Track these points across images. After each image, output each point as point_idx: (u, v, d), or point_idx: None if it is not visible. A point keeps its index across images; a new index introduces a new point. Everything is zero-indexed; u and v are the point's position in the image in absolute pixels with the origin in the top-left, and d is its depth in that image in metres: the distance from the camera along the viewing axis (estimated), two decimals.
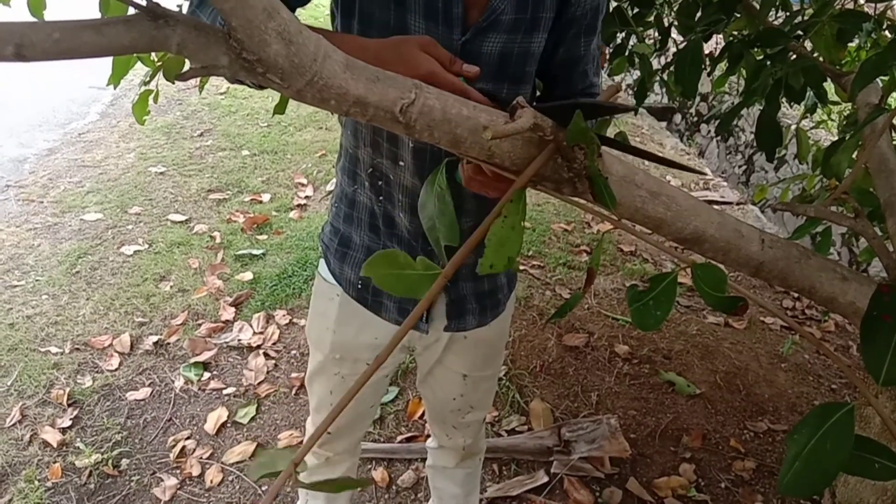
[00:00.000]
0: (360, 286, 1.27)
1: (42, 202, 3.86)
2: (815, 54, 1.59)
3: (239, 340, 2.78)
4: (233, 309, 2.97)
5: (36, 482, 2.14)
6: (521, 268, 3.38)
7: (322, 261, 1.35)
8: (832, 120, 4.42)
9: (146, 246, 3.45)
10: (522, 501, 2.14)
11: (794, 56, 1.58)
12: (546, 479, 2.20)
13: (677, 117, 6.98)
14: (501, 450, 2.30)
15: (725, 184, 4.93)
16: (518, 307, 3.06)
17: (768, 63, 1.61)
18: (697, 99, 6.54)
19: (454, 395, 1.47)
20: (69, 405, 2.44)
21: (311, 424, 1.60)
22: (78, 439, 2.30)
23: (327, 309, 1.33)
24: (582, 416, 2.45)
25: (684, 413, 2.53)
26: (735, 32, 1.90)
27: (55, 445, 2.26)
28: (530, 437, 2.34)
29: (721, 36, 1.96)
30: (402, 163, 1.10)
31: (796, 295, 3.37)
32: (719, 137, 6.16)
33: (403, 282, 0.62)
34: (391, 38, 0.84)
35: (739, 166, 5.80)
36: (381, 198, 1.18)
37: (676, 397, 2.61)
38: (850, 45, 2.23)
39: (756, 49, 1.69)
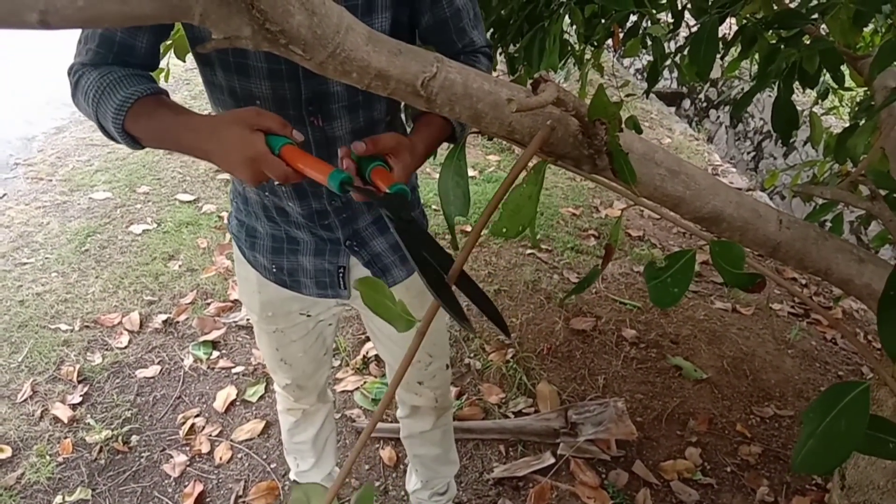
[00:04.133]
0: (274, 270, 1.31)
1: (51, 180, 3.87)
2: (830, 38, 1.58)
3: (247, 320, 2.79)
4: None
5: (47, 457, 2.16)
6: (529, 252, 3.38)
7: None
8: (844, 106, 4.39)
9: (155, 225, 3.46)
10: (529, 482, 2.16)
11: (809, 39, 1.57)
12: (552, 460, 2.21)
13: (686, 103, 6.94)
14: (508, 431, 2.31)
15: (734, 170, 4.91)
16: (526, 291, 3.07)
17: (782, 47, 1.60)
18: (707, 84, 6.49)
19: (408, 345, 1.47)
20: (79, 382, 2.46)
21: (277, 386, 1.69)
22: (88, 415, 2.32)
23: (248, 273, 1.36)
24: (589, 399, 2.46)
25: (691, 397, 2.54)
26: (748, 15, 1.88)
27: (66, 421, 2.29)
28: (537, 419, 2.35)
29: (734, 20, 1.94)
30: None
31: (804, 282, 3.37)
32: (728, 123, 6.13)
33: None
34: (221, 119, 0.92)
35: (748, 153, 5.77)
36: (266, 193, 1.21)
37: (683, 382, 2.61)
38: (865, 29, 2.21)
39: (770, 33, 1.68)
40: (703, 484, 2.19)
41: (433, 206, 3.71)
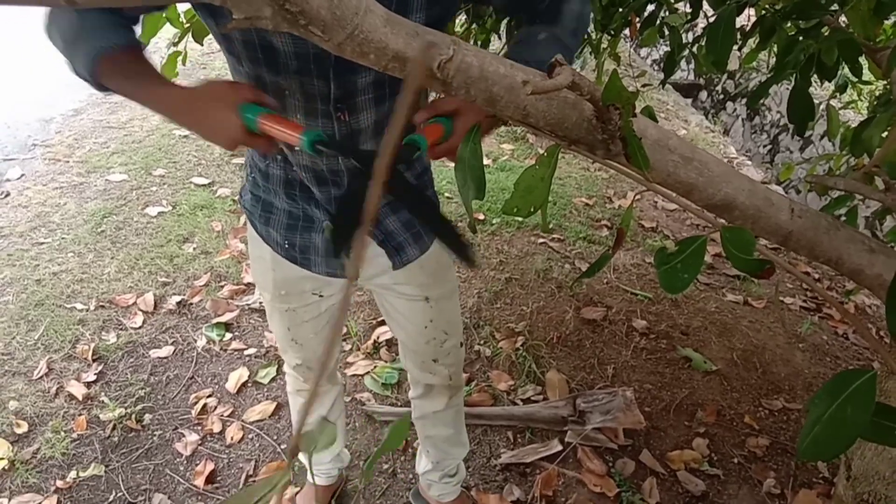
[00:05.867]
0: (286, 246, 1.32)
1: (68, 161, 3.91)
2: (850, 29, 1.56)
3: (260, 303, 2.81)
4: None
5: (62, 433, 2.20)
6: (541, 241, 3.39)
7: None
8: (862, 100, 4.35)
9: (170, 208, 3.49)
10: (536, 468, 2.17)
11: (828, 31, 1.55)
12: (560, 447, 2.22)
13: (703, 94, 6.89)
14: (517, 418, 2.32)
15: (750, 163, 4.88)
16: (537, 279, 3.07)
17: (800, 38, 1.59)
18: (724, 77, 6.44)
19: (424, 322, 1.49)
20: (94, 360, 2.49)
21: (287, 366, 1.72)
22: (102, 393, 2.36)
23: (262, 251, 1.37)
24: (597, 388, 2.47)
25: (700, 388, 2.54)
26: (767, 5, 1.87)
27: (80, 399, 2.32)
28: (545, 407, 2.36)
29: (752, 11, 1.92)
30: (297, 147, 1.12)
31: (817, 276, 3.36)
32: (745, 116, 6.08)
33: None
34: (198, 96, 0.98)
35: (765, 146, 5.73)
36: (294, 168, 1.22)
37: (692, 373, 2.62)
38: (886, 22, 2.19)
39: (789, 24, 1.67)
40: (710, 474, 2.19)
41: (446, 195, 3.72)
